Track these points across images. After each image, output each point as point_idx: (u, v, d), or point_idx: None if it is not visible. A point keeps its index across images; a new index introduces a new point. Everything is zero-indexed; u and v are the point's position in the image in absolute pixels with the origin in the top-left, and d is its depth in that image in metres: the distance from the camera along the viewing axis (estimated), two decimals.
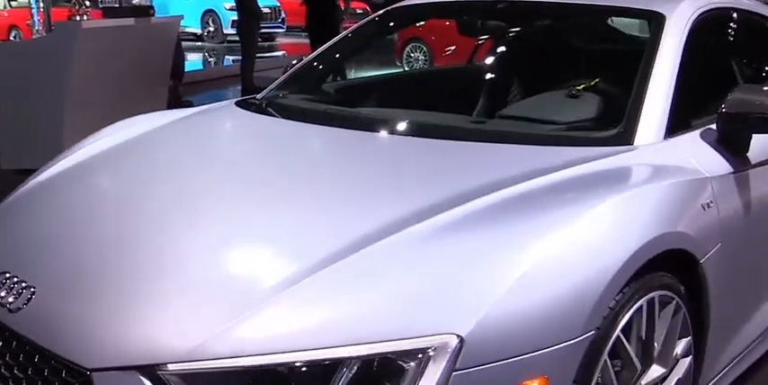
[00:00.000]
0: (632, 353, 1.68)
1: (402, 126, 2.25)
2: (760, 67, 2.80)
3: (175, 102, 7.17)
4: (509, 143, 2.05)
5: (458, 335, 1.39)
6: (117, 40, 5.59)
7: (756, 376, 2.50)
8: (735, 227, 2.05)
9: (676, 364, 1.90)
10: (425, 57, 10.72)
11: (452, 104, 2.56)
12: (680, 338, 1.88)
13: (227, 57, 13.42)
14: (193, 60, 13.58)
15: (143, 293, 1.55)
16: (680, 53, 2.23)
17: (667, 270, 1.81)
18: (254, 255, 1.64)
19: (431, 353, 1.38)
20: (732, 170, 2.10)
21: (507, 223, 1.61)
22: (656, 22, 2.33)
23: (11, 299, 1.64)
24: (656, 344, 1.77)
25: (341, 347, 1.39)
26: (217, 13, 15.31)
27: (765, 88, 2.16)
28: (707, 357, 2.02)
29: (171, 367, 1.41)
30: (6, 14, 12.22)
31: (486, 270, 1.50)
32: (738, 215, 2.08)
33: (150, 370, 1.42)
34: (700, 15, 2.39)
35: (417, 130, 2.20)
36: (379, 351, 1.39)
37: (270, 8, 14.51)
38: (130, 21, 5.94)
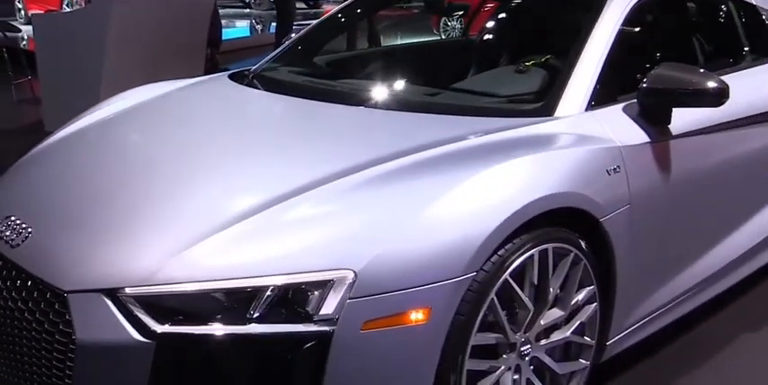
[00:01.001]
0: (523, 296, 1.96)
1: (361, 98, 2.53)
2: (705, 46, 2.99)
3: (213, 69, 7.51)
4: (445, 114, 2.33)
5: (353, 271, 1.71)
6: (152, 10, 5.91)
7: (678, 341, 2.75)
8: (646, 192, 2.29)
9: (581, 310, 2.18)
10: (461, 25, 10.87)
11: (422, 78, 2.84)
12: (583, 287, 2.15)
13: (273, 24, 13.71)
14: (241, 27, 13.99)
15: (113, 228, 1.92)
16: (614, 34, 2.45)
17: (569, 226, 2.08)
18: (206, 200, 1.98)
19: (331, 285, 1.70)
20: (649, 140, 2.33)
21: (411, 179, 1.91)
22: (598, 2, 2.54)
23: (13, 237, 2.01)
24: (551, 290, 2.05)
25: (263, 277, 1.72)
26: None
27: (686, 65, 2.38)
28: (617, 308, 2.28)
29: (128, 291, 1.76)
30: None
31: (384, 217, 1.81)
32: (651, 181, 2.32)
33: (112, 292, 1.77)
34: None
35: (372, 102, 2.49)
36: (292, 281, 1.72)
37: None
38: None
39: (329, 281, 1.71)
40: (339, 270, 1.71)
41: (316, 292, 1.71)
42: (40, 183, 2.30)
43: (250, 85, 2.82)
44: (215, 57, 8.25)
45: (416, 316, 1.74)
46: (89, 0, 6.43)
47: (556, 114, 2.27)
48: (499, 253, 1.88)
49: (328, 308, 1.70)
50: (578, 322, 2.17)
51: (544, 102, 2.33)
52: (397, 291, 1.72)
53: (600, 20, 2.48)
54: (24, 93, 6.82)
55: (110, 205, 2.02)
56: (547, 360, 2.12)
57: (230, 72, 3.02)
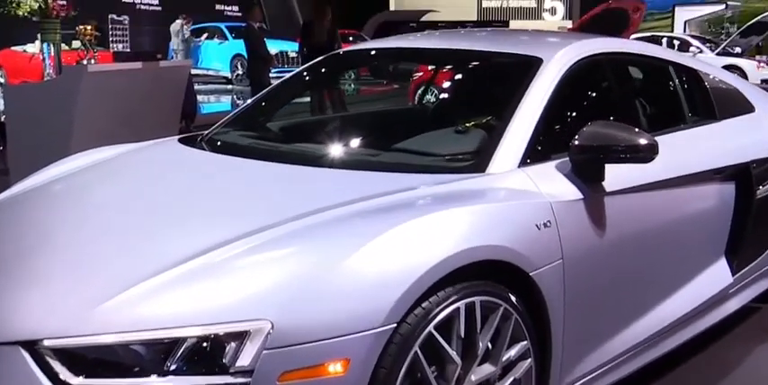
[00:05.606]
0: (449, 349, 1.94)
1: (304, 158, 2.57)
2: (645, 107, 3.08)
3: None
4: (381, 171, 2.37)
5: (270, 322, 1.70)
6: (124, 82, 6.02)
7: None
8: (580, 247, 2.30)
9: (515, 366, 2.16)
10: (436, 99, 11.11)
11: (368, 140, 2.89)
12: (516, 342, 2.14)
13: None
14: (225, 102, 14.46)
15: (35, 281, 1.92)
16: (548, 95, 2.53)
17: (500, 281, 2.08)
18: (127, 254, 1.99)
19: (248, 335, 1.69)
20: (582, 196, 2.36)
21: (333, 231, 1.93)
22: (533, 65, 2.63)
23: None
24: (480, 344, 2.03)
25: (179, 328, 1.72)
26: (245, 58, 16.02)
27: (615, 123, 2.44)
28: (554, 364, 2.26)
29: (46, 343, 1.74)
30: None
31: (303, 268, 1.81)
32: (585, 237, 2.34)
33: (30, 344, 1.75)
34: (579, 60, 2.70)
35: (313, 161, 2.53)
36: (209, 332, 1.71)
37: (280, 52, 15.26)
38: (138, 64, 6.43)
39: (245, 332, 1.70)
40: (256, 321, 1.70)
41: (232, 343, 1.70)
42: None
43: (196, 146, 2.86)
44: (190, 129, 8.36)
45: (335, 367, 1.72)
46: (60, 72, 6.54)
47: (488, 171, 2.32)
48: (423, 305, 1.87)
49: (244, 359, 1.68)
50: (512, 378, 2.14)
51: (477, 159, 2.38)
52: (314, 342, 1.71)
53: (533, 83, 2.56)
54: None
55: (34, 259, 2.02)
56: None
57: (181, 136, 3.06)
